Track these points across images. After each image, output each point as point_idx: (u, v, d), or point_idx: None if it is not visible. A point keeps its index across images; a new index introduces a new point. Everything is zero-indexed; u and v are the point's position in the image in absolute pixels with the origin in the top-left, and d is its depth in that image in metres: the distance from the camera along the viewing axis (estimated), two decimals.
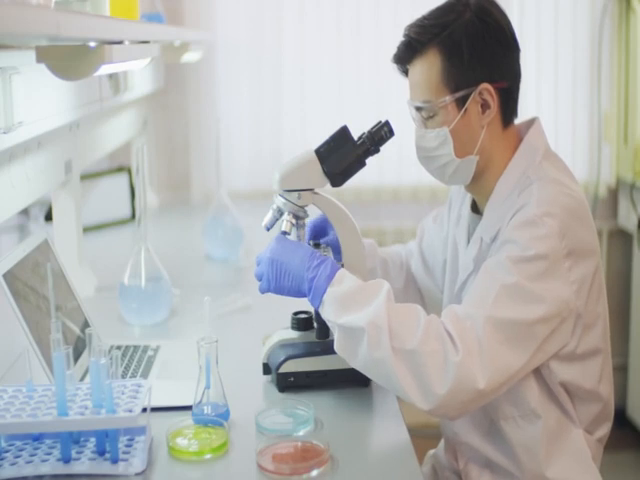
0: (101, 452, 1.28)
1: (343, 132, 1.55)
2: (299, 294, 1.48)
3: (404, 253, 1.90)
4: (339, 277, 1.43)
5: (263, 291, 1.52)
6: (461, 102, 1.49)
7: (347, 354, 1.41)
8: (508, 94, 1.53)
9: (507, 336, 1.36)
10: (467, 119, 1.50)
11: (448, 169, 1.54)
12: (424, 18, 1.52)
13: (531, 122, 1.59)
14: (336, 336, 1.41)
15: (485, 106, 1.50)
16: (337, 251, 1.65)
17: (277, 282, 1.49)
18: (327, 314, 1.42)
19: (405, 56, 1.53)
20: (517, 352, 1.37)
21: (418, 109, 1.54)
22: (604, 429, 1.56)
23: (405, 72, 1.56)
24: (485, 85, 1.49)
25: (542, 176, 1.49)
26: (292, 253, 1.48)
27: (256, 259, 1.55)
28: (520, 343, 1.37)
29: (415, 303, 1.80)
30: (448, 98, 1.49)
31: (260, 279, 1.52)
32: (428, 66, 1.50)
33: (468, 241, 1.62)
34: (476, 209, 1.64)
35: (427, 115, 1.52)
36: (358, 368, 1.41)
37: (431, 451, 1.77)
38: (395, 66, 1.57)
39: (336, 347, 1.42)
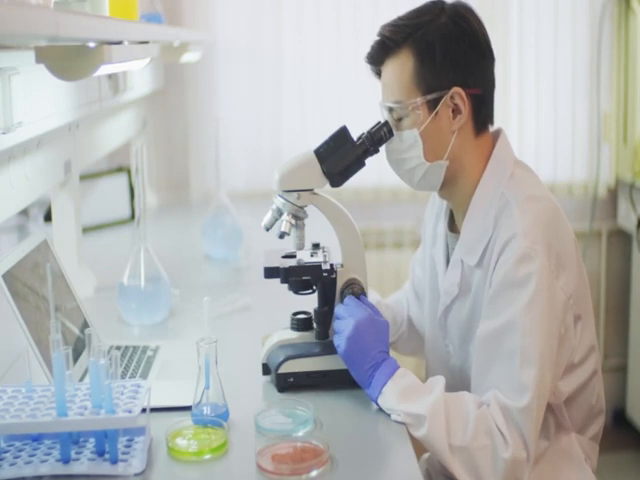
0: (100, 452, 1.28)
1: (342, 132, 1.55)
2: (358, 382, 1.49)
3: (405, 301, 1.90)
4: (400, 373, 1.44)
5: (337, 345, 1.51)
6: (432, 105, 1.50)
7: (408, 427, 1.41)
8: (480, 101, 1.53)
9: (539, 404, 1.39)
10: (438, 123, 1.50)
11: (417, 173, 1.54)
12: (399, 18, 1.53)
13: (497, 134, 1.59)
14: (394, 417, 1.42)
15: (456, 111, 1.50)
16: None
17: (347, 354, 1.48)
18: (386, 403, 1.43)
19: (378, 55, 1.54)
20: (545, 406, 1.42)
21: (389, 110, 1.54)
22: (596, 426, 1.59)
23: (378, 74, 1.57)
24: (457, 89, 1.49)
25: (517, 194, 1.49)
26: (364, 347, 1.47)
27: (341, 310, 1.53)
28: (547, 396, 1.43)
29: (419, 346, 1.84)
30: (419, 100, 1.49)
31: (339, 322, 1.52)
32: (400, 66, 1.50)
33: (447, 261, 1.62)
34: (453, 228, 1.64)
35: (398, 116, 1.53)
36: None
37: (425, 455, 1.77)
38: (369, 67, 1.57)
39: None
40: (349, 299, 1.54)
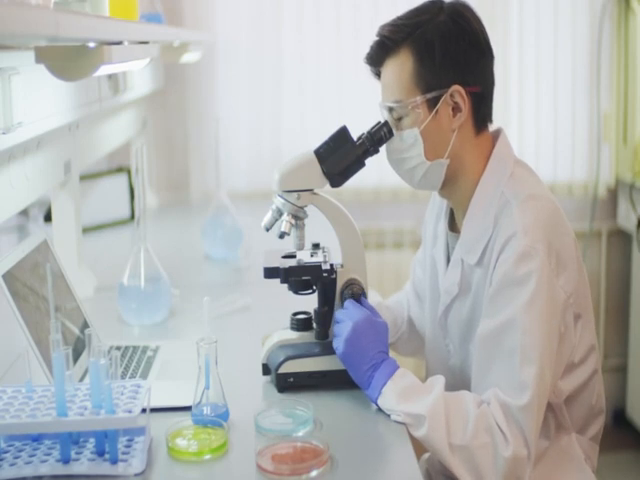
0: (100, 453, 1.28)
1: (342, 132, 1.55)
2: (357, 383, 1.49)
3: (405, 302, 1.90)
4: (400, 373, 1.44)
5: (336, 347, 1.51)
6: (432, 103, 1.50)
7: (408, 427, 1.41)
8: (480, 99, 1.53)
9: (540, 403, 1.39)
10: (438, 121, 1.50)
11: (418, 172, 1.54)
12: (398, 18, 1.53)
13: (497, 133, 1.59)
14: (394, 417, 1.42)
15: (456, 109, 1.50)
16: None
17: (345, 355, 1.48)
18: (386, 404, 1.43)
19: (378, 56, 1.54)
20: (545, 404, 1.42)
21: (390, 110, 1.54)
22: (596, 426, 1.59)
23: (378, 74, 1.57)
24: (457, 87, 1.49)
25: (517, 193, 1.49)
26: (362, 348, 1.47)
27: (340, 314, 1.53)
28: (547, 395, 1.42)
29: (419, 346, 1.84)
30: (419, 98, 1.49)
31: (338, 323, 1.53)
32: (400, 66, 1.50)
33: (447, 260, 1.62)
34: (453, 227, 1.64)
35: (398, 116, 1.53)
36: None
37: (425, 455, 1.77)
38: (369, 68, 1.57)
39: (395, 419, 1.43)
40: (348, 302, 1.54)
